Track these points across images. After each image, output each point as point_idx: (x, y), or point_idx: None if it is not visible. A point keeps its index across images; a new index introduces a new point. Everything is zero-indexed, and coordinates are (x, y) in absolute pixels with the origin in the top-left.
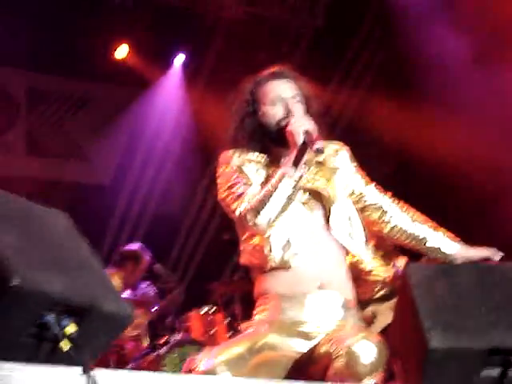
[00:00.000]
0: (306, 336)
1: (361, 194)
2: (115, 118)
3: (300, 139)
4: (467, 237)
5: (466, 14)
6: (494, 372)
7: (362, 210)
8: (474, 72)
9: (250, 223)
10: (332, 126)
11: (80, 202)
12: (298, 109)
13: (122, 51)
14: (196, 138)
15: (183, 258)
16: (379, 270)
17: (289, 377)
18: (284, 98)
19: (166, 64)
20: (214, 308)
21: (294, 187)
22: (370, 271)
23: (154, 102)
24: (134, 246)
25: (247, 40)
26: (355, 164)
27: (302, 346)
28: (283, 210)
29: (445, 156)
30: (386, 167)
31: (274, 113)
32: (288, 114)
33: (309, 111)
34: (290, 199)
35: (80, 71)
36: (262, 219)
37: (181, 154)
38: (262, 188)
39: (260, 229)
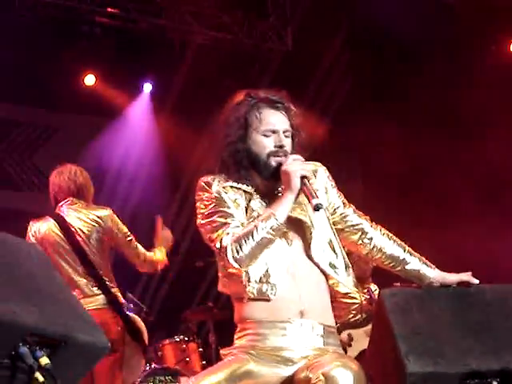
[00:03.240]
0: (286, 362)
1: (342, 214)
2: (82, 148)
3: (297, 183)
4: None
5: None
6: None
7: (341, 231)
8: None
9: (230, 259)
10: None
11: None
12: (288, 145)
13: (89, 80)
14: (163, 166)
15: (152, 286)
16: (355, 294)
17: None
18: (277, 130)
19: (134, 92)
20: (188, 336)
21: (279, 229)
22: (346, 294)
23: (121, 130)
24: None
25: (215, 65)
26: (334, 184)
27: (281, 373)
28: (264, 249)
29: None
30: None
31: (266, 144)
32: (280, 149)
33: (293, 143)
34: (271, 241)
35: (47, 101)
36: (242, 256)
37: (148, 182)
38: (246, 224)
39: (238, 266)
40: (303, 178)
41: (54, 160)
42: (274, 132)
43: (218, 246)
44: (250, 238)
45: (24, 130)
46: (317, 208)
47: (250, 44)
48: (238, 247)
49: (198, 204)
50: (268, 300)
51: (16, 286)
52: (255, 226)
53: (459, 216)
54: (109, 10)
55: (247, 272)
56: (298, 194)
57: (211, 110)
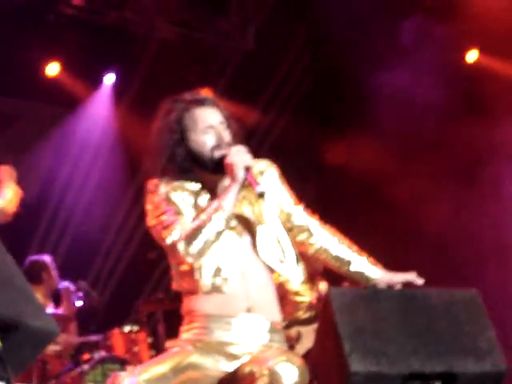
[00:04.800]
0: (231, 357)
1: (289, 213)
2: (41, 137)
3: (240, 173)
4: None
5: None
6: None
7: (289, 230)
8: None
9: (182, 253)
10: (256, 149)
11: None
12: (228, 136)
13: (52, 69)
14: (120, 158)
15: (103, 276)
16: (305, 292)
17: None
18: (214, 125)
19: (96, 83)
20: (137, 326)
21: (227, 220)
22: (297, 292)
23: (80, 121)
24: (38, 257)
25: (177, 61)
26: (283, 183)
27: (226, 367)
28: (214, 241)
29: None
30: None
31: (205, 141)
32: (220, 142)
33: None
34: (221, 232)
35: (8, 88)
36: (193, 250)
37: (105, 172)
38: (195, 218)
39: (191, 259)
40: (247, 168)
41: (12, 148)
42: (211, 128)
43: (169, 242)
44: (200, 231)
45: None
46: (261, 195)
47: (212, 41)
48: (190, 241)
49: (147, 206)
50: (222, 293)
51: None
52: (203, 220)
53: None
54: (74, 0)
55: (199, 267)
56: (243, 184)
57: None
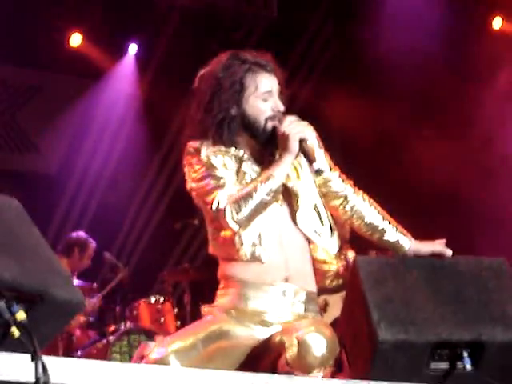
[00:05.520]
0: (264, 325)
1: (326, 179)
2: (65, 108)
3: (295, 145)
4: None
5: None
6: (443, 365)
7: (324, 195)
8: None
9: (229, 220)
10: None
11: (27, 191)
12: (282, 106)
13: (75, 40)
14: (144, 128)
15: (128, 247)
16: (332, 260)
17: (242, 365)
18: (273, 93)
19: (120, 53)
20: (163, 297)
21: (277, 191)
22: (324, 260)
23: (104, 91)
24: (79, 234)
25: (200, 29)
26: (321, 146)
27: (258, 335)
28: (262, 211)
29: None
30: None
31: (263, 108)
32: (276, 112)
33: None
34: (270, 202)
35: (31, 60)
36: (240, 217)
37: (128, 142)
38: (245, 185)
39: (237, 227)
40: (301, 140)
41: (36, 119)
42: (270, 95)
43: (214, 208)
44: (249, 199)
45: (6, 89)
46: (318, 172)
47: (235, 9)
48: (238, 208)
49: (187, 168)
50: (261, 262)
51: None
52: (254, 186)
53: None
54: None
55: (240, 235)
56: (296, 157)
57: (195, 72)
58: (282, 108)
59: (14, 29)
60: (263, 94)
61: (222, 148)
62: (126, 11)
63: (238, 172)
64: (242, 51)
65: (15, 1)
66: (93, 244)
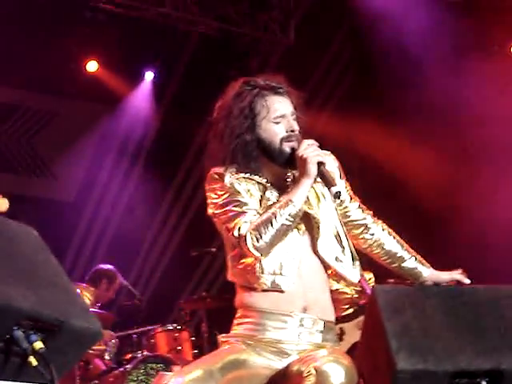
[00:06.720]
0: (281, 355)
1: (346, 207)
2: (82, 134)
3: (313, 169)
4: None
5: None
6: None
7: (344, 224)
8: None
9: (250, 247)
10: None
11: (43, 218)
12: (297, 128)
13: (92, 66)
14: (161, 155)
15: (145, 275)
16: (345, 288)
17: None
18: (286, 115)
19: (136, 80)
20: (180, 325)
21: (297, 216)
22: (340, 289)
23: (121, 117)
24: (109, 266)
25: (217, 56)
26: (344, 176)
27: (275, 365)
28: (283, 237)
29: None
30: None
31: (277, 131)
32: (291, 134)
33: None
34: (290, 227)
35: (48, 86)
36: (261, 244)
37: (145, 169)
38: (264, 212)
39: (258, 253)
40: (320, 164)
41: (53, 145)
42: (283, 117)
43: (236, 234)
44: (270, 225)
45: (24, 115)
46: (337, 196)
47: (252, 36)
48: (258, 235)
49: (209, 194)
50: (281, 292)
51: (13, 269)
52: (273, 213)
53: None
54: None
55: (261, 263)
56: (315, 181)
57: (212, 99)
58: (296, 127)
59: (32, 56)
60: (276, 117)
61: (246, 175)
62: (142, 38)
63: (261, 199)
64: (255, 77)
65: (31, 29)
66: (120, 279)
